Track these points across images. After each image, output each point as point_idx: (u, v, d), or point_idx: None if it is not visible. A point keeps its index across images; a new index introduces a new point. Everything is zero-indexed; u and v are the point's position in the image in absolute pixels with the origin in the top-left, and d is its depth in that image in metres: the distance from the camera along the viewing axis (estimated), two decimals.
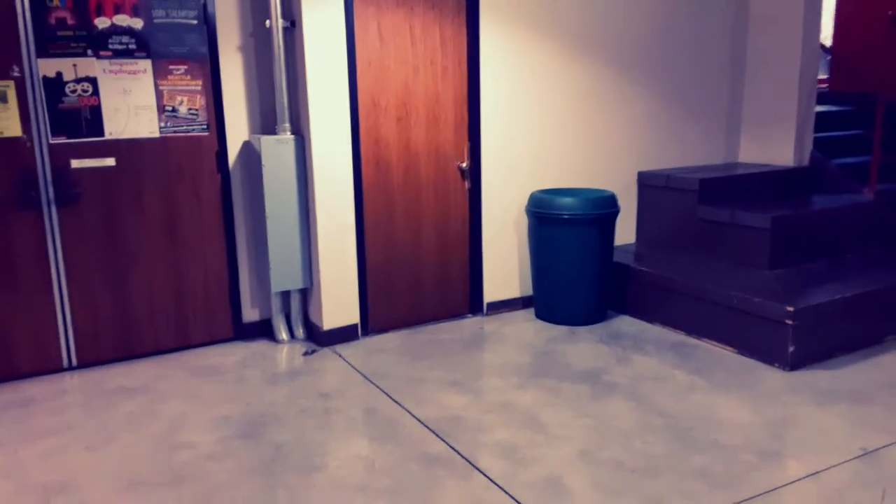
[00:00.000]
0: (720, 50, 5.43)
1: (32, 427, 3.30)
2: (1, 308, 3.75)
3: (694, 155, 5.48)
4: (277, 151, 4.11)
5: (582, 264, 4.49)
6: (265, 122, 4.28)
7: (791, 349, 3.83)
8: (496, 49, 4.53)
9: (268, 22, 4.06)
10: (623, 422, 3.29)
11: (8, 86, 3.61)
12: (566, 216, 4.40)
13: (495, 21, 4.49)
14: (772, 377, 3.76)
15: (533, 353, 4.15)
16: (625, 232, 5.27)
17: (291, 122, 4.21)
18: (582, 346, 4.25)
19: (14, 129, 3.66)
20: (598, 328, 4.55)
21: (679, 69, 5.27)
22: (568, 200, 4.41)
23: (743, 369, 3.87)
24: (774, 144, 5.43)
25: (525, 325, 4.64)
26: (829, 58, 7.00)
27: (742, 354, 4.07)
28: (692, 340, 4.31)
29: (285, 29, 4.08)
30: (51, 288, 3.85)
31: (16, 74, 3.63)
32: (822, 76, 7.08)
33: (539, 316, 4.74)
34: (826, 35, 7.21)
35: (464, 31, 4.46)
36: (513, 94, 4.65)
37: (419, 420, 3.33)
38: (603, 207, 4.46)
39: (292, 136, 4.14)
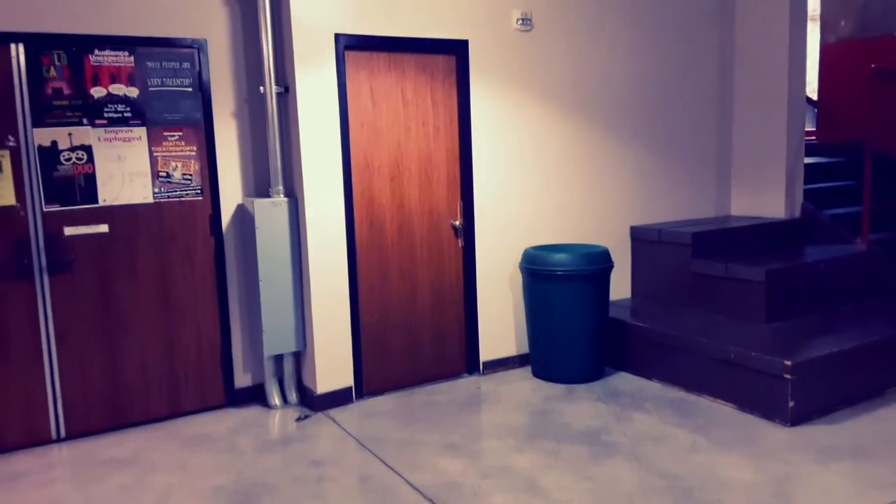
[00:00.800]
0: (708, 105, 5.53)
1: (21, 502, 3.21)
2: None
3: (686, 209, 5.52)
4: (271, 214, 4.13)
5: (578, 320, 4.46)
6: (259, 185, 4.32)
7: (791, 404, 3.78)
8: (486, 109, 4.61)
9: (262, 88, 4.14)
10: (624, 484, 3.21)
11: (3, 155, 3.65)
12: (560, 272, 4.40)
13: (485, 82, 4.58)
14: (773, 433, 3.70)
15: (530, 413, 4.09)
16: (620, 287, 5.26)
17: (285, 184, 4.25)
18: (580, 404, 4.19)
19: (8, 198, 3.68)
20: (596, 386, 4.50)
21: (668, 125, 5.36)
22: (561, 256, 4.42)
23: (744, 426, 3.80)
24: (765, 197, 5.48)
25: (522, 383, 4.58)
26: (815, 110, 7.14)
27: (742, 410, 4.01)
28: (692, 397, 4.25)
29: (279, 94, 4.15)
30: (41, 357, 3.81)
31: (11, 144, 3.67)
32: (810, 128, 7.21)
33: (536, 374, 4.69)
34: (811, 88, 7.36)
35: (454, 92, 4.55)
36: (504, 152, 4.71)
37: (415, 487, 3.25)
38: (597, 263, 4.46)
39: (286, 199, 4.17)
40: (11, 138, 3.67)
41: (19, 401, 3.78)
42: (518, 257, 4.83)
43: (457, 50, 4.50)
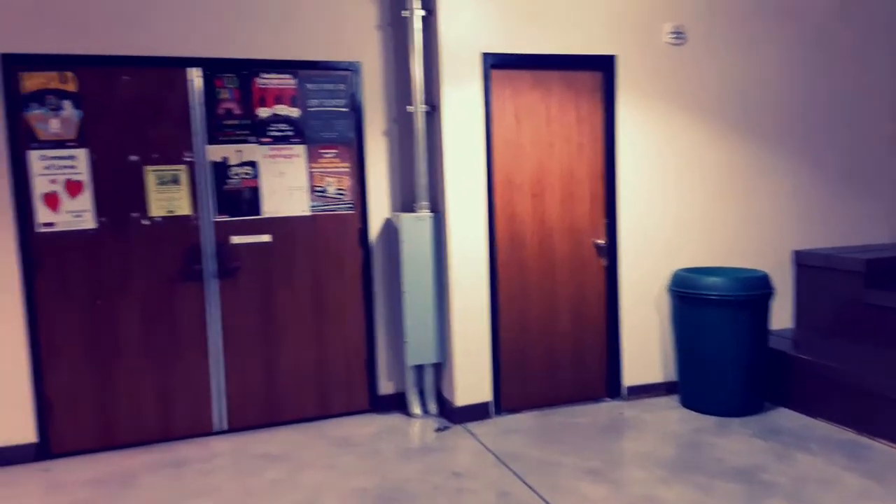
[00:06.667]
0: (882, 119, 5.03)
1: (184, 488, 3.48)
2: (165, 373, 4.05)
3: (857, 233, 5.03)
4: (416, 228, 4.23)
5: (733, 350, 4.17)
6: (405, 201, 4.45)
7: None
8: (633, 125, 4.48)
9: (410, 107, 4.28)
10: None
11: (181, 170, 4.02)
12: (714, 297, 4.14)
13: (632, 98, 4.45)
14: None
15: (678, 444, 3.86)
16: (780, 315, 4.86)
17: (430, 199, 4.35)
18: (734, 439, 3.89)
19: (184, 208, 4.04)
20: (752, 421, 4.17)
21: (836, 141, 4.94)
22: (716, 280, 4.16)
23: None
24: None
25: (669, 412, 4.34)
26: None
27: None
28: (864, 440, 3.82)
29: (426, 113, 4.27)
30: (207, 356, 4.13)
31: (188, 160, 4.04)
32: None
33: (685, 404, 4.43)
34: None
35: (600, 108, 4.46)
36: (651, 169, 4.54)
37: None
38: (755, 288, 4.16)
39: (430, 214, 4.26)
40: (189, 154, 4.04)
41: (189, 395, 4.11)
42: (666, 279, 4.61)
43: (603, 66, 4.42)
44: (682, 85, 4.55)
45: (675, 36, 4.48)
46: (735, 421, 4.16)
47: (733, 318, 4.14)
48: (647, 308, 4.60)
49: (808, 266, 4.81)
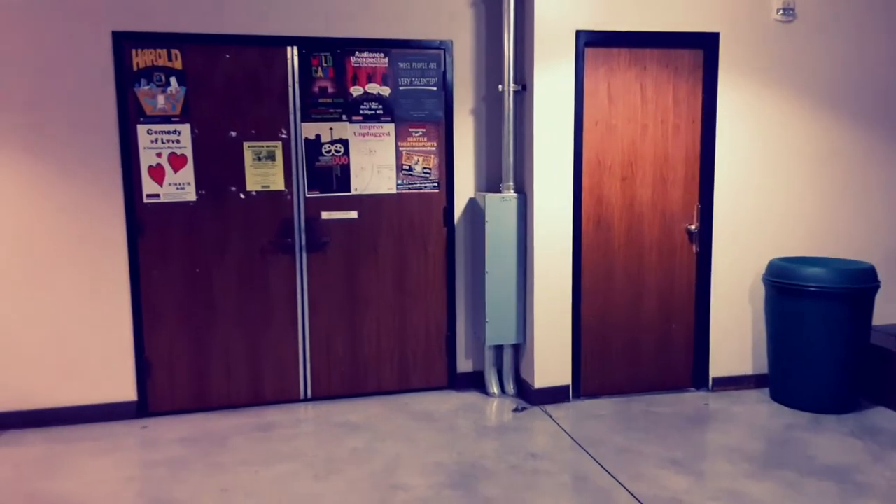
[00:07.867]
0: None
1: (271, 450, 3.64)
2: (256, 341, 4.24)
3: None
4: (500, 208, 4.22)
5: (830, 344, 3.96)
6: (490, 180, 4.44)
7: None
8: (735, 106, 4.28)
9: (500, 86, 4.25)
10: None
11: (277, 146, 4.16)
12: (813, 288, 3.93)
13: (735, 78, 4.25)
14: None
15: (767, 438, 3.71)
16: (886, 310, 4.57)
17: (515, 180, 4.32)
18: (828, 437, 3.71)
19: (279, 183, 4.18)
20: (849, 419, 3.95)
21: None
22: (816, 271, 3.95)
23: None
24: None
25: (758, 406, 4.18)
26: None
27: None
28: None
29: (516, 92, 4.23)
30: (296, 325, 4.28)
31: (283, 136, 4.17)
32: None
33: (775, 398, 4.24)
34: None
35: (699, 88, 4.29)
36: (752, 153, 4.34)
37: (634, 496, 3.10)
38: (858, 281, 3.92)
39: (515, 194, 4.24)
40: (284, 131, 4.16)
41: (277, 362, 4.28)
42: (761, 268, 4.41)
43: (705, 44, 4.23)
44: (789, 65, 4.31)
45: (784, 13, 4.24)
46: (829, 418, 3.96)
47: (833, 311, 3.93)
48: (739, 297, 4.42)
49: None
